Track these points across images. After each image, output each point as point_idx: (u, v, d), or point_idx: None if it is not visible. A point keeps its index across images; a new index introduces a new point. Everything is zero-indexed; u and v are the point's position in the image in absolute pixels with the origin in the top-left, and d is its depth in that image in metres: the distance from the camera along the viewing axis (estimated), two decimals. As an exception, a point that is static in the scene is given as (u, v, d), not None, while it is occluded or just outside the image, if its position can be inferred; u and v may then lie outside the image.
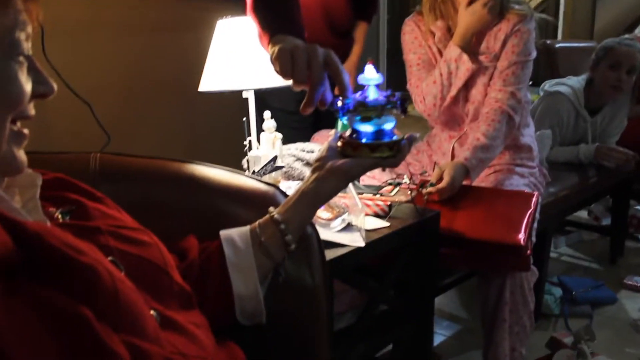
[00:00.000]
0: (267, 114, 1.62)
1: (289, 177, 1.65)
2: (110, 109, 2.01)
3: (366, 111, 0.92)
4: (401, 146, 0.94)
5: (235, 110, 1.81)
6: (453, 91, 1.95)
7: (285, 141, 1.67)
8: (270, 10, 1.11)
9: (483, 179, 1.95)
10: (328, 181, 0.93)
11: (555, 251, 3.13)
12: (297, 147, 1.73)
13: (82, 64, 2.12)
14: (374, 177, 1.91)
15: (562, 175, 2.52)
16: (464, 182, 1.79)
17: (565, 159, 2.70)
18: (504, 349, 1.71)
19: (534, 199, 1.72)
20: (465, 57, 1.88)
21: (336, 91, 0.94)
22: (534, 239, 1.79)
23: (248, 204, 1.04)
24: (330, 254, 1.24)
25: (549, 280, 2.55)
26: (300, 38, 1.03)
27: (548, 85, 2.86)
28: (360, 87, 0.97)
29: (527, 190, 1.88)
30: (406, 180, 1.65)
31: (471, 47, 1.91)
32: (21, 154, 0.69)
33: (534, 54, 1.92)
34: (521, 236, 1.57)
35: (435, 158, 2.12)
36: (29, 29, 0.68)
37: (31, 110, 0.69)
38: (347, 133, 0.97)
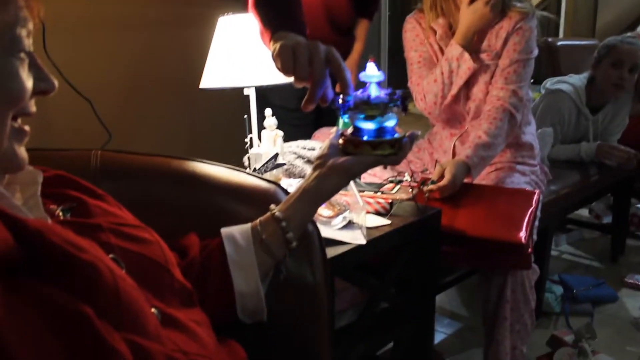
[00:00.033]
0: (268, 111, 1.61)
1: (290, 174, 1.65)
2: (111, 106, 2.01)
3: (370, 110, 0.92)
4: (403, 144, 0.94)
5: (237, 108, 1.80)
6: (454, 90, 1.94)
7: (286, 139, 1.67)
8: (272, 7, 1.11)
9: (484, 177, 1.94)
10: (329, 179, 0.92)
11: (556, 249, 3.12)
12: (298, 145, 1.73)
13: (83, 61, 2.11)
14: (375, 174, 1.90)
15: (564, 173, 2.52)
16: (465, 180, 1.79)
17: (566, 157, 2.70)
18: (505, 347, 1.71)
19: (535, 197, 1.72)
20: (466, 55, 1.88)
21: (337, 88, 0.94)
22: (535, 237, 1.79)
23: (249, 202, 1.03)
24: (331, 252, 1.23)
25: (549, 278, 2.55)
26: (302, 35, 1.02)
27: (549, 83, 2.85)
28: (361, 85, 0.97)
29: (528, 188, 1.88)
30: (407, 178, 1.65)
31: (473, 45, 1.91)
32: (22, 151, 0.68)
33: (536, 51, 1.92)
34: (522, 234, 1.57)
35: (437, 156, 2.12)
36: (30, 26, 0.67)
37: (32, 107, 0.68)
38: (349, 131, 0.97)
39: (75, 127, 1.93)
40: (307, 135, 2.07)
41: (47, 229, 0.56)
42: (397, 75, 2.26)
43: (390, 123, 0.94)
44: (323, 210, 1.37)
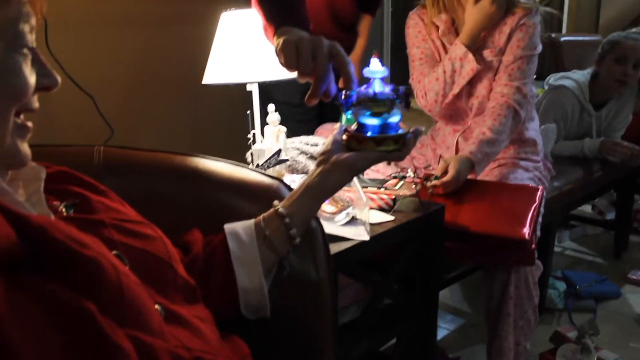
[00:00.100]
0: (271, 107, 1.61)
1: (293, 170, 1.65)
2: (114, 102, 2.01)
3: (376, 106, 0.92)
4: (406, 140, 0.94)
5: (239, 103, 1.80)
6: (456, 89, 1.94)
7: (289, 134, 1.66)
8: (275, 2, 1.10)
9: (487, 173, 1.94)
10: (333, 175, 0.92)
11: (559, 245, 3.12)
12: (301, 141, 1.73)
13: (86, 57, 2.11)
14: (378, 170, 1.90)
15: (567, 169, 2.52)
16: (469, 176, 1.79)
17: (569, 153, 2.70)
18: (508, 343, 1.71)
19: (539, 193, 1.71)
20: (470, 56, 1.88)
21: (340, 84, 0.94)
22: (538, 233, 1.78)
23: (252, 198, 1.03)
24: (334, 248, 1.23)
25: (552, 274, 2.55)
26: (306, 30, 1.02)
27: (553, 79, 2.84)
28: (365, 80, 0.97)
29: (531, 184, 1.87)
30: (410, 174, 1.65)
31: (477, 43, 1.90)
32: (25, 147, 0.68)
33: (540, 48, 1.91)
34: (526, 230, 1.57)
35: (440, 152, 2.12)
36: (33, 21, 0.67)
37: (35, 103, 0.68)
38: (353, 127, 0.97)
39: (78, 123, 1.93)
40: (310, 131, 2.06)
41: (50, 225, 0.56)
42: (399, 71, 2.26)
43: (394, 119, 0.93)
44: (326, 207, 1.36)
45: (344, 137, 0.97)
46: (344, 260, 1.27)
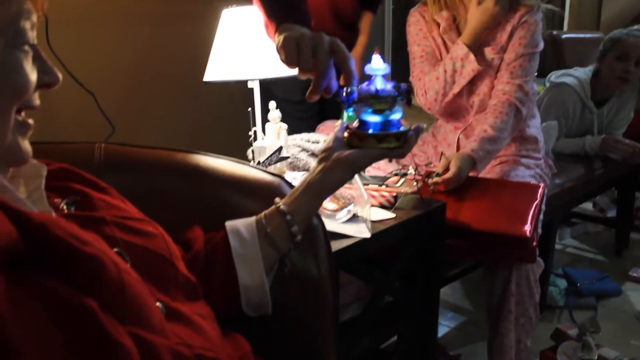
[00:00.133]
0: (272, 104, 1.61)
1: (294, 167, 1.65)
2: (115, 99, 2.00)
3: (378, 103, 0.92)
4: (408, 137, 0.94)
5: (240, 101, 1.80)
6: (456, 89, 1.94)
7: (290, 132, 1.66)
8: (276, -1, 1.10)
9: (489, 170, 1.94)
10: (334, 172, 0.92)
11: (560, 243, 3.12)
12: (302, 138, 1.72)
13: (87, 54, 2.11)
14: (379, 168, 1.90)
15: (568, 166, 2.52)
16: (470, 174, 1.78)
17: (571, 150, 2.69)
18: (509, 341, 1.71)
19: (540, 190, 1.71)
20: (471, 57, 1.87)
21: (342, 81, 0.94)
22: (539, 230, 1.78)
23: (253, 195, 1.03)
24: (335, 245, 1.23)
25: (553, 272, 2.55)
26: (307, 27, 1.02)
27: (554, 76, 2.84)
28: (366, 78, 0.97)
29: (532, 181, 1.87)
30: (411, 171, 1.65)
31: (479, 43, 1.90)
32: (26, 144, 0.68)
33: (541, 45, 1.91)
34: (527, 228, 1.57)
35: (441, 149, 2.12)
36: (34, 18, 0.67)
37: (36, 100, 0.68)
38: (354, 124, 0.96)
39: (79, 120, 1.93)
40: (311, 128, 2.06)
41: (51, 223, 0.56)
42: (400, 69, 2.26)
43: (396, 116, 0.93)
44: (328, 204, 1.36)
45: (346, 134, 0.96)
46: (345, 257, 1.26)
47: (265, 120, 1.62)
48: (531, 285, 1.71)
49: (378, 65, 0.94)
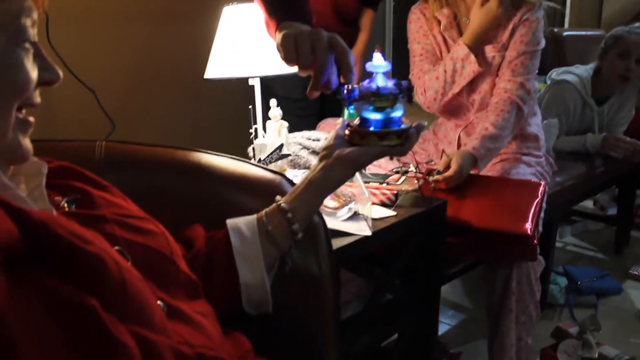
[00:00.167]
0: (273, 101, 1.61)
1: (295, 165, 1.65)
2: (115, 96, 2.00)
3: (379, 101, 0.91)
4: (409, 134, 0.94)
5: (241, 98, 1.80)
6: (456, 89, 1.95)
7: (291, 129, 1.66)
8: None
9: (490, 168, 1.94)
10: (335, 170, 0.92)
11: (561, 241, 3.12)
12: (303, 136, 1.72)
13: (87, 51, 2.11)
14: (379, 165, 1.90)
15: (569, 164, 2.52)
16: (471, 172, 1.78)
17: (572, 148, 2.69)
18: (510, 339, 1.71)
19: (541, 188, 1.71)
20: (472, 58, 1.87)
21: (342, 79, 0.94)
22: (540, 228, 1.78)
23: (254, 193, 1.03)
24: (336, 243, 1.23)
25: (554, 270, 2.55)
26: (308, 24, 1.02)
27: (555, 73, 2.83)
28: (367, 75, 0.96)
29: (533, 179, 1.87)
30: (412, 169, 1.65)
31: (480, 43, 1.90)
32: (27, 142, 0.68)
33: (543, 43, 1.91)
34: (528, 226, 1.57)
35: (442, 146, 2.11)
36: (35, 15, 0.67)
37: (37, 97, 0.68)
38: (355, 121, 0.96)
39: (80, 118, 1.93)
40: (312, 126, 2.06)
41: (52, 221, 0.56)
42: (401, 66, 2.25)
43: (397, 114, 0.93)
44: (329, 202, 1.36)
45: (347, 131, 0.96)
46: (346, 255, 1.26)
47: (266, 117, 1.61)
48: (532, 283, 1.71)
49: (379, 62, 0.94)
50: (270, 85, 2.10)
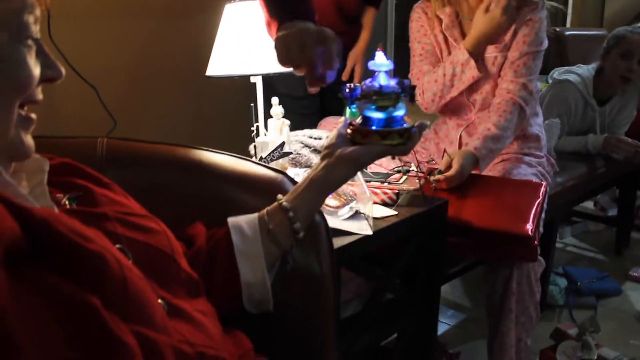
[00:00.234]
0: (275, 99, 1.61)
1: (296, 163, 1.64)
2: (117, 93, 2.00)
3: (382, 100, 0.91)
4: (412, 134, 0.93)
5: (243, 96, 1.80)
6: (454, 93, 1.94)
7: (292, 127, 1.66)
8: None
9: (491, 168, 1.93)
10: (337, 168, 0.92)
11: (561, 241, 3.12)
12: (304, 134, 1.72)
13: (89, 48, 2.10)
14: (381, 164, 1.89)
15: (570, 165, 2.51)
16: (473, 172, 1.78)
17: (573, 148, 2.69)
18: (510, 340, 1.71)
19: (542, 189, 1.71)
20: (472, 63, 1.87)
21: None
22: (541, 229, 1.78)
23: (255, 191, 1.03)
24: (337, 242, 1.23)
25: (554, 270, 2.55)
26: (311, 21, 1.02)
27: (557, 73, 2.83)
28: (370, 73, 0.96)
29: (534, 179, 1.87)
30: (414, 168, 1.64)
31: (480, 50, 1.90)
32: (29, 139, 0.68)
33: (546, 43, 1.90)
34: (529, 226, 1.56)
35: (443, 146, 2.11)
36: (37, 12, 0.67)
37: (39, 94, 0.68)
38: (357, 120, 0.96)
39: (82, 115, 1.93)
40: (313, 124, 2.06)
41: (53, 218, 0.56)
42: (402, 64, 2.25)
43: (399, 113, 0.93)
44: (330, 201, 1.36)
45: (349, 130, 0.96)
46: (347, 254, 1.26)
47: (267, 115, 1.61)
48: (532, 284, 1.71)
49: (381, 61, 0.94)
50: (273, 83, 2.10)
